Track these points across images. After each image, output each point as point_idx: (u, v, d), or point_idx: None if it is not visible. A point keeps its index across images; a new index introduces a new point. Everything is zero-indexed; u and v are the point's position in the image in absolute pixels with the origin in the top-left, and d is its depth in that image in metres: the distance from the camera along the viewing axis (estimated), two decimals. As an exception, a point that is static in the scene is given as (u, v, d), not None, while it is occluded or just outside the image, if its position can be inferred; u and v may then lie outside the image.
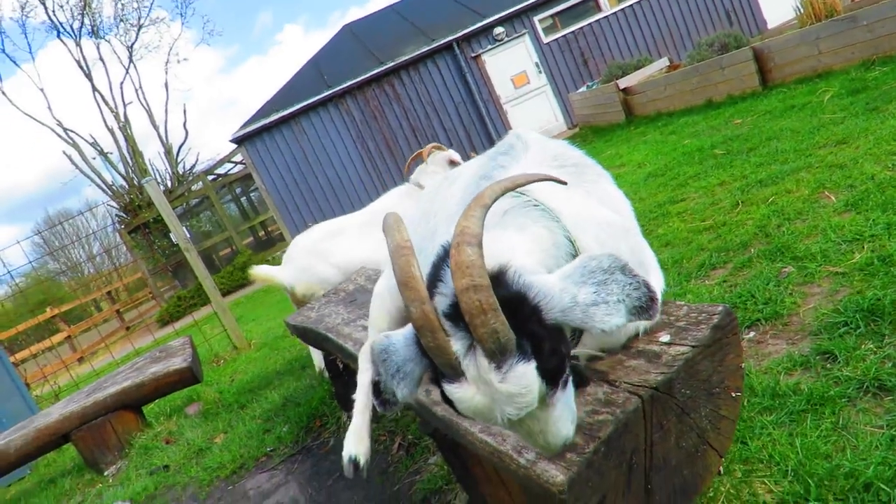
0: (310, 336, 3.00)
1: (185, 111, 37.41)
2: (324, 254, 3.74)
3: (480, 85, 14.31)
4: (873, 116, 4.34)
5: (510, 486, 1.60)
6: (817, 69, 6.63)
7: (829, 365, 2.00)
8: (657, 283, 1.42)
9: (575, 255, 1.18)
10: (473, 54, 14.18)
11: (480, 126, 14.41)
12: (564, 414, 1.02)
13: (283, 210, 14.62)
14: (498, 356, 0.93)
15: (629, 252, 1.35)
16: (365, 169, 14.48)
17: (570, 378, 1.05)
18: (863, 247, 2.60)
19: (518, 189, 1.27)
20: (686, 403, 1.18)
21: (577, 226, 1.24)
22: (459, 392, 0.97)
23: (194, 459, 3.64)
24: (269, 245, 16.63)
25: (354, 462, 1.82)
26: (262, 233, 17.75)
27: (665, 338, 1.27)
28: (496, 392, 0.94)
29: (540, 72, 14.39)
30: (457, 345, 0.96)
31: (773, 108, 6.06)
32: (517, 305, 0.97)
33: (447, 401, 1.01)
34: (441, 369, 0.98)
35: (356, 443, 1.86)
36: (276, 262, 14.67)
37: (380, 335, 1.09)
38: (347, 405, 3.14)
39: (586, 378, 1.25)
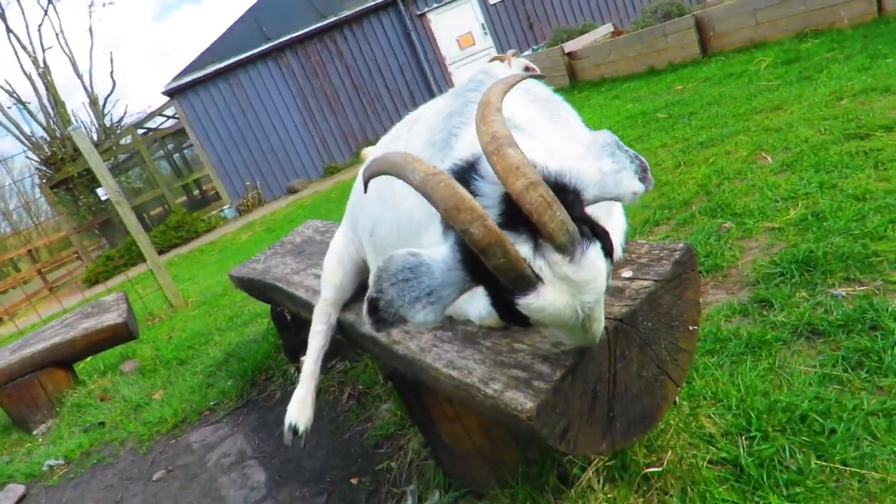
0: (256, 287, 2.93)
1: (111, 60, 35.27)
2: None
3: (426, 45, 14.08)
4: (806, 84, 4.53)
5: (468, 424, 1.63)
6: (754, 39, 6.84)
7: (765, 312, 2.11)
8: (620, 219, 1.44)
9: None
10: (419, 12, 13.90)
11: (425, 87, 14.22)
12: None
13: (219, 168, 14.12)
14: (569, 247, 0.91)
15: None
16: (306, 126, 14.10)
17: None
18: (797, 204, 2.73)
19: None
20: (647, 335, 1.21)
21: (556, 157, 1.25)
22: (540, 300, 0.92)
23: (132, 415, 3.53)
24: (205, 204, 16.03)
25: (294, 429, 1.83)
26: (196, 191, 17.06)
27: (627, 273, 1.30)
28: (575, 284, 0.92)
29: (486, 33, 14.26)
30: (523, 251, 0.92)
31: (713, 76, 6.23)
32: (560, 193, 0.94)
33: (516, 319, 0.97)
34: (510, 285, 0.92)
35: (298, 411, 1.88)
36: (213, 220, 14.04)
37: (402, 251, 0.99)
38: (295, 356, 3.10)
39: None
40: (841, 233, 2.32)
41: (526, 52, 12.93)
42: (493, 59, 4.90)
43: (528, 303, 0.92)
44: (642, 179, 0.98)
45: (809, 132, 3.48)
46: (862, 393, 1.58)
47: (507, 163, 0.92)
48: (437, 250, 1.00)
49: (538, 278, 0.92)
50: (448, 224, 0.99)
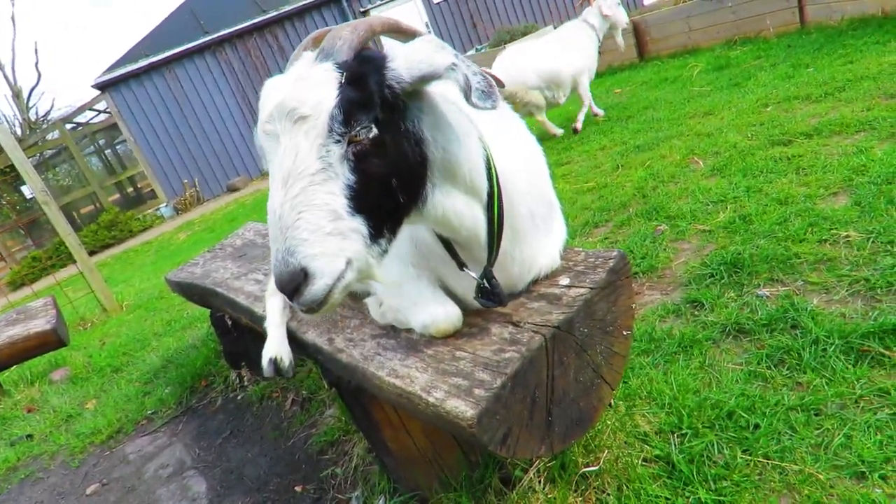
0: (195, 292, 2.86)
1: (36, 50, 33.41)
2: (527, 62, 5.35)
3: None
4: (735, 91, 4.74)
5: (411, 429, 1.64)
6: (688, 46, 7.11)
7: (697, 312, 2.20)
8: (561, 227, 1.48)
9: (490, 165, 1.22)
10: (362, 9, 13.79)
11: (369, 84, 14.11)
12: None
13: (154, 165, 13.64)
14: (319, 54, 1.04)
15: (526, 186, 1.33)
16: (245, 123, 13.78)
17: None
18: (726, 207, 2.86)
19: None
20: (584, 341, 1.25)
21: (495, 150, 1.27)
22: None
23: (63, 427, 3.38)
24: (140, 202, 15.43)
25: (275, 362, 1.77)
26: (130, 189, 16.39)
27: (565, 281, 1.34)
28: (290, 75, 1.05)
29: (429, 31, 14.25)
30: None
31: (649, 80, 6.44)
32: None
33: None
34: None
35: (276, 346, 1.79)
36: (148, 219, 13.49)
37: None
38: (236, 362, 3.05)
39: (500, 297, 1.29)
40: (765, 235, 2.45)
41: (469, 52, 13.02)
42: (582, 1, 5.66)
43: None
44: (488, 95, 1.02)
45: (738, 138, 3.65)
46: (783, 389, 1.68)
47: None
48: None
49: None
50: None
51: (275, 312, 1.91)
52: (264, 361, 1.79)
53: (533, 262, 1.36)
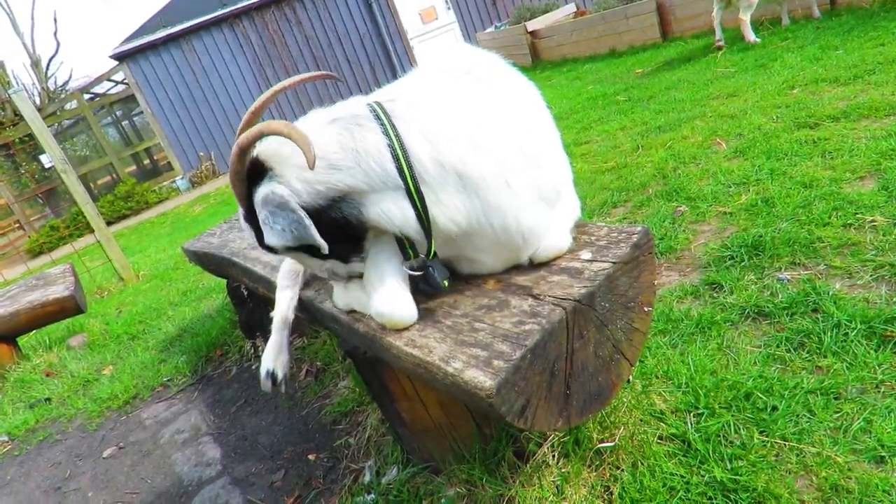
0: (212, 262, 2.87)
1: (55, 19, 33.32)
2: None
3: (387, 17, 13.82)
4: (761, 72, 4.64)
5: (427, 401, 1.65)
6: (712, 26, 6.95)
7: (715, 294, 2.18)
8: (572, 201, 1.45)
9: (396, 155, 1.23)
10: (381, -18, 13.61)
11: (386, 60, 14.00)
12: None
13: (171, 137, 13.66)
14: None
15: (522, 155, 1.29)
16: (262, 97, 13.71)
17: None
18: (748, 189, 2.82)
19: (384, 97, 1.34)
20: (605, 316, 1.24)
21: (428, 127, 1.25)
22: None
23: (80, 391, 3.43)
24: (156, 174, 15.47)
25: (272, 376, 1.77)
26: (147, 161, 16.44)
27: (587, 255, 1.32)
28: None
29: (449, 8, 14.08)
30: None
31: (672, 60, 6.32)
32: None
33: None
34: None
35: (274, 357, 1.79)
36: (164, 191, 13.55)
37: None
38: (252, 332, 3.07)
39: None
40: (788, 219, 2.41)
41: (489, 29, 12.86)
42: None
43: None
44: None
45: (762, 120, 3.58)
46: (802, 372, 1.66)
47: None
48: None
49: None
50: None
51: (281, 303, 1.86)
52: (262, 373, 1.79)
53: (526, 232, 1.31)
